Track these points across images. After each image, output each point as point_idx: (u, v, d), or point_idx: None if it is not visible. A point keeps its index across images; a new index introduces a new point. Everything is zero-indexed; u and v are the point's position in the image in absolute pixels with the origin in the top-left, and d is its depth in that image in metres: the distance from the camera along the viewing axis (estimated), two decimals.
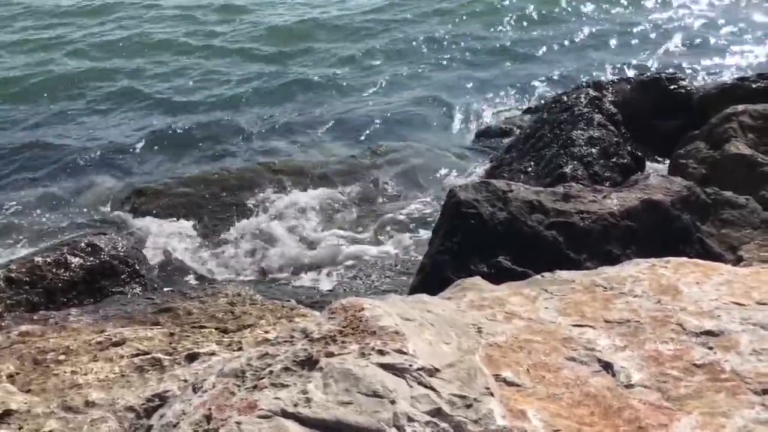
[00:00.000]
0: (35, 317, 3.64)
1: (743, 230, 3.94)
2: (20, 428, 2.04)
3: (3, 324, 3.48)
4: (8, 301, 4.08)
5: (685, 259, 2.58)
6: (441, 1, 15.09)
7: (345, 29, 14.05)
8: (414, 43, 13.09)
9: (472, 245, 3.72)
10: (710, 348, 1.93)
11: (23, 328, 3.17)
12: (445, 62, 12.23)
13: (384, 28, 14.06)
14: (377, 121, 9.82)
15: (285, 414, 1.66)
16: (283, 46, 13.26)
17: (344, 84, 11.35)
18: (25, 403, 2.19)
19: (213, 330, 3.08)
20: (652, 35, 12.55)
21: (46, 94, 10.97)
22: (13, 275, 4.21)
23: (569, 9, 14.25)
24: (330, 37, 13.73)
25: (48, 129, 9.66)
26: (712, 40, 12.07)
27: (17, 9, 16.20)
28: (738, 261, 3.60)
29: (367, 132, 9.50)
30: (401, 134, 9.44)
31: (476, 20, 14.10)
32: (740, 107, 5.96)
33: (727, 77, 9.40)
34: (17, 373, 2.53)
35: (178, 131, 9.54)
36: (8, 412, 2.11)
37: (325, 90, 11.09)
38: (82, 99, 10.80)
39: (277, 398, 1.72)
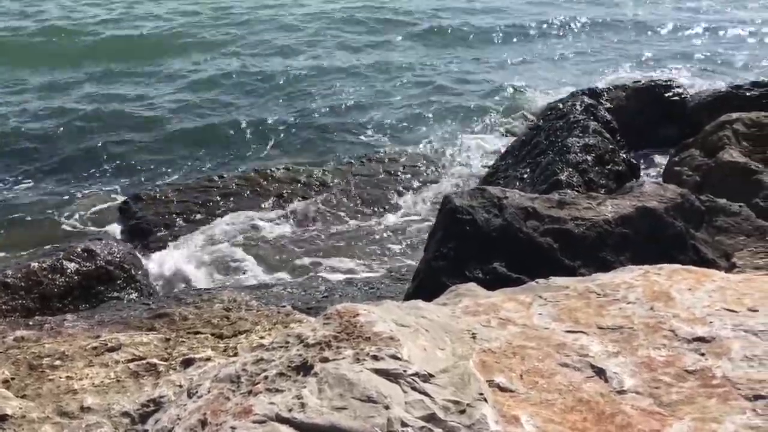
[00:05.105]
0: (31, 322, 3.64)
1: (737, 237, 3.96)
2: None
3: None
4: (4, 307, 4.07)
5: (678, 266, 2.59)
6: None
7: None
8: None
9: (467, 251, 3.73)
10: (702, 354, 1.94)
11: (19, 333, 3.18)
12: (444, 66, 12.36)
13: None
14: (373, 127, 9.90)
15: (280, 419, 1.67)
16: (278, 52, 13.39)
17: (341, 90, 11.41)
18: (21, 408, 2.19)
19: (209, 335, 3.09)
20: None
21: (43, 96, 10.99)
22: (8, 280, 4.21)
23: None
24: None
25: (44, 132, 9.65)
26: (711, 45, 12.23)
27: None
28: (731, 268, 3.62)
29: (364, 138, 9.57)
30: (397, 140, 9.53)
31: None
32: (734, 115, 6.00)
33: (722, 85, 9.49)
34: (12, 378, 2.53)
35: (175, 139, 9.58)
36: (3, 417, 2.12)
37: (318, 97, 11.15)
38: (77, 103, 10.80)
39: (272, 403, 1.72)
